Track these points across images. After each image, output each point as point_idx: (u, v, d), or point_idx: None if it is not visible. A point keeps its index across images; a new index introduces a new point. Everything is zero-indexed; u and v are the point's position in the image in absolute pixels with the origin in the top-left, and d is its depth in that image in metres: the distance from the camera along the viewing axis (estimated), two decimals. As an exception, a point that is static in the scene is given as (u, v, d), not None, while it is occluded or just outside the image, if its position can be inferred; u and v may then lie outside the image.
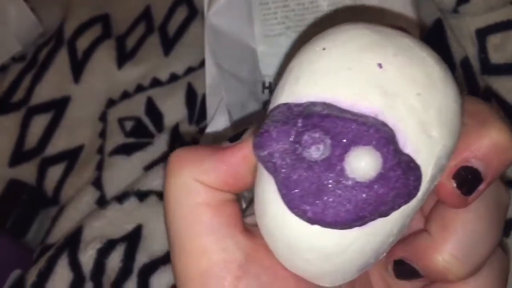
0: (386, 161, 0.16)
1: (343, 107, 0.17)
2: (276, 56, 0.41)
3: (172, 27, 0.51)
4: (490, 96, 0.41)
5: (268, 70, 0.41)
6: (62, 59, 0.52)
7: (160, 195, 0.42)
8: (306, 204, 0.17)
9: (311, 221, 0.17)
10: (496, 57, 0.43)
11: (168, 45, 0.50)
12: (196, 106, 0.46)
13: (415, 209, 0.18)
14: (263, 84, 0.42)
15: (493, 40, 0.43)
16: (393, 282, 0.24)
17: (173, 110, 0.47)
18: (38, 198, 0.47)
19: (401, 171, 0.16)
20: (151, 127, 0.47)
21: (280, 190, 0.17)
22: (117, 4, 0.53)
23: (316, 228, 0.17)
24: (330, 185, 0.16)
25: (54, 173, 0.48)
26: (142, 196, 0.42)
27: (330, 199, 0.16)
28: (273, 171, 0.17)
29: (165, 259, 0.39)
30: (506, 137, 0.18)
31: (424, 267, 0.21)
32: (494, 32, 0.43)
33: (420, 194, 0.17)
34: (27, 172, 0.48)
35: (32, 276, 0.40)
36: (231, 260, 0.19)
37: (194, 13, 0.50)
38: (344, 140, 0.16)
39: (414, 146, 0.17)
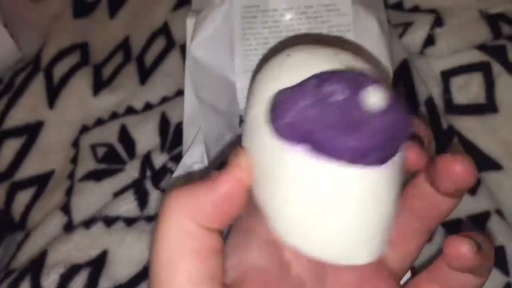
0: (389, 94, 0.20)
1: None
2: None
3: (150, 57, 0.51)
4: (452, 134, 0.43)
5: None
6: (38, 85, 0.52)
7: (127, 221, 0.42)
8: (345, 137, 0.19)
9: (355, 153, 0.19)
10: (459, 97, 0.45)
11: (145, 74, 0.51)
12: (168, 135, 0.47)
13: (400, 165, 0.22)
14: (240, 117, 0.42)
15: (457, 82, 0.45)
16: None
17: (146, 138, 0.47)
18: (5, 222, 0.47)
19: (400, 100, 0.20)
20: (123, 154, 0.47)
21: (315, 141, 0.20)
22: (96, 33, 0.54)
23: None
24: (354, 121, 0.19)
25: (23, 198, 0.48)
26: (110, 221, 0.42)
27: (357, 134, 0.19)
28: (305, 128, 0.19)
29: (129, 286, 0.39)
30: None
31: None
32: (458, 74, 0.45)
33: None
34: (-5, 195, 0.48)
35: (-8, 301, 0.39)
36: None
37: (172, 45, 0.51)
38: (355, 84, 0.20)
39: None
